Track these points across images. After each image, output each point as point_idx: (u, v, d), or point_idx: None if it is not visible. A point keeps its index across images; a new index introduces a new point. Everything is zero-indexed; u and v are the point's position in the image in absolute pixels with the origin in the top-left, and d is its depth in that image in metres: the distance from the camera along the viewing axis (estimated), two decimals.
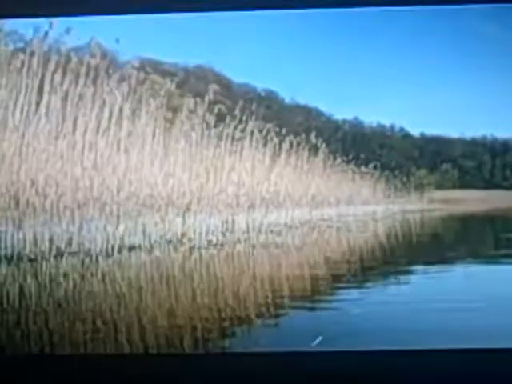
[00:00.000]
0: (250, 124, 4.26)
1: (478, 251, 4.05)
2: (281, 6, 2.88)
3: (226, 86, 4.08)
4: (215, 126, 4.26)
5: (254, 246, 4.21)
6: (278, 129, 4.28)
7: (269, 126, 4.28)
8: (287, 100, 4.30)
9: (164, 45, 3.68)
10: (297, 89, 3.97)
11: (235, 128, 4.28)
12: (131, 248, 4.07)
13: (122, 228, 4.06)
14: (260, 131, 4.30)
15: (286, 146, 4.35)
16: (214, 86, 4.09)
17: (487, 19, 3.37)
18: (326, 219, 4.50)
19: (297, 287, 3.80)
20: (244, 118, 4.22)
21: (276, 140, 4.32)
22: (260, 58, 3.77)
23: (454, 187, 4.49)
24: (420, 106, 3.87)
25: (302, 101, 4.24)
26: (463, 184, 4.47)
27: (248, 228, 4.29)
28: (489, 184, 4.42)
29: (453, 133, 4.29)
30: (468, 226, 4.61)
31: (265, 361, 2.74)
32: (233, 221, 4.28)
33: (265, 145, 4.36)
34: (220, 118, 4.22)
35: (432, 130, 4.28)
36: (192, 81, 4.09)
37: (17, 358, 2.96)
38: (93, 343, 3.23)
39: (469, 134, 4.32)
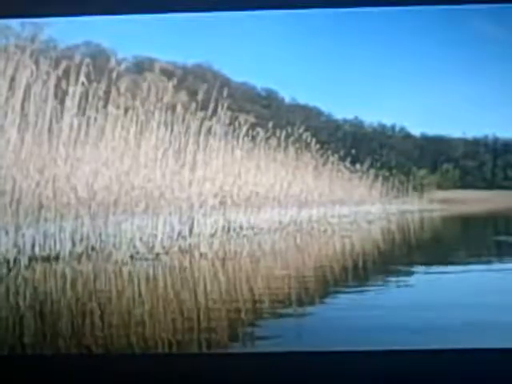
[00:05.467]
0: (221, 113, 4.11)
1: (478, 252, 4.05)
2: (281, 6, 2.89)
3: (224, 84, 4.07)
4: (183, 118, 4.09)
5: (218, 252, 3.98)
6: (267, 125, 4.21)
7: (247, 117, 4.17)
8: (287, 99, 4.30)
9: (163, 44, 3.69)
10: (296, 88, 3.98)
11: (207, 120, 4.14)
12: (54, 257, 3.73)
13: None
14: (236, 121, 4.16)
15: (290, 146, 4.32)
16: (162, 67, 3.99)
17: (488, 19, 3.37)
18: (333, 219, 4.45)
19: (281, 294, 3.63)
20: (218, 109, 4.10)
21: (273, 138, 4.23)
22: (260, 58, 3.77)
23: (454, 187, 4.49)
24: (421, 106, 3.87)
25: (301, 100, 4.25)
26: (464, 184, 4.47)
27: (216, 231, 4.07)
28: (490, 184, 4.42)
29: (454, 133, 4.29)
30: (469, 227, 4.60)
31: (265, 361, 2.74)
32: (196, 222, 4.02)
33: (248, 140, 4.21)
34: (188, 109, 4.11)
35: (433, 130, 4.28)
36: (190, 79, 4.07)
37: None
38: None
39: (470, 133, 4.32)
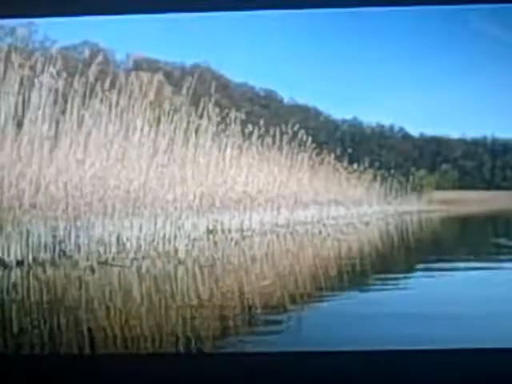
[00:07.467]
0: (212, 111, 4.06)
1: (477, 253, 4.05)
2: (281, 6, 2.88)
3: (223, 84, 4.07)
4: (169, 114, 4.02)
5: (205, 257, 3.87)
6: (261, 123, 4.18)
7: (240, 115, 4.09)
8: (286, 99, 4.31)
9: (162, 44, 3.69)
10: (295, 88, 3.99)
11: (199, 118, 4.08)
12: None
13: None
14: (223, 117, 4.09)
15: (286, 146, 4.31)
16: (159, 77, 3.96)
17: (487, 19, 3.37)
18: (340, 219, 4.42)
19: (274, 299, 3.54)
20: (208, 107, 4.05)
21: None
22: (259, 58, 3.77)
23: (453, 188, 4.49)
24: (420, 107, 3.87)
25: (300, 100, 4.25)
26: (463, 185, 4.47)
27: (203, 233, 3.96)
28: (489, 185, 4.42)
29: (453, 133, 4.30)
30: (468, 227, 4.60)
31: (265, 361, 2.73)
32: (182, 224, 3.89)
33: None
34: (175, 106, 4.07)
35: (432, 131, 4.29)
36: (187, 79, 4.05)
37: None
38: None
39: (469, 134, 4.32)
